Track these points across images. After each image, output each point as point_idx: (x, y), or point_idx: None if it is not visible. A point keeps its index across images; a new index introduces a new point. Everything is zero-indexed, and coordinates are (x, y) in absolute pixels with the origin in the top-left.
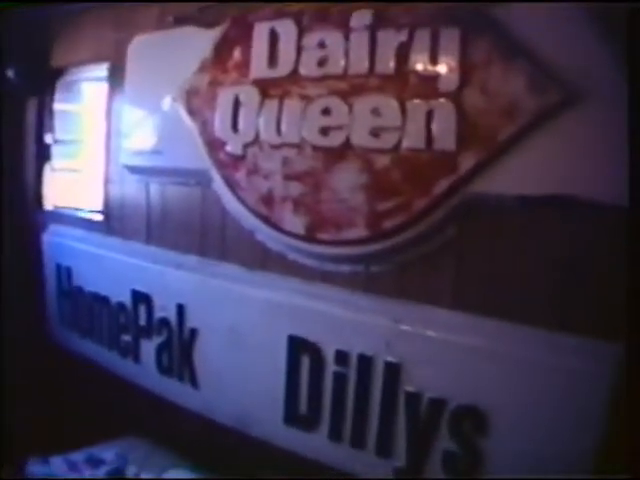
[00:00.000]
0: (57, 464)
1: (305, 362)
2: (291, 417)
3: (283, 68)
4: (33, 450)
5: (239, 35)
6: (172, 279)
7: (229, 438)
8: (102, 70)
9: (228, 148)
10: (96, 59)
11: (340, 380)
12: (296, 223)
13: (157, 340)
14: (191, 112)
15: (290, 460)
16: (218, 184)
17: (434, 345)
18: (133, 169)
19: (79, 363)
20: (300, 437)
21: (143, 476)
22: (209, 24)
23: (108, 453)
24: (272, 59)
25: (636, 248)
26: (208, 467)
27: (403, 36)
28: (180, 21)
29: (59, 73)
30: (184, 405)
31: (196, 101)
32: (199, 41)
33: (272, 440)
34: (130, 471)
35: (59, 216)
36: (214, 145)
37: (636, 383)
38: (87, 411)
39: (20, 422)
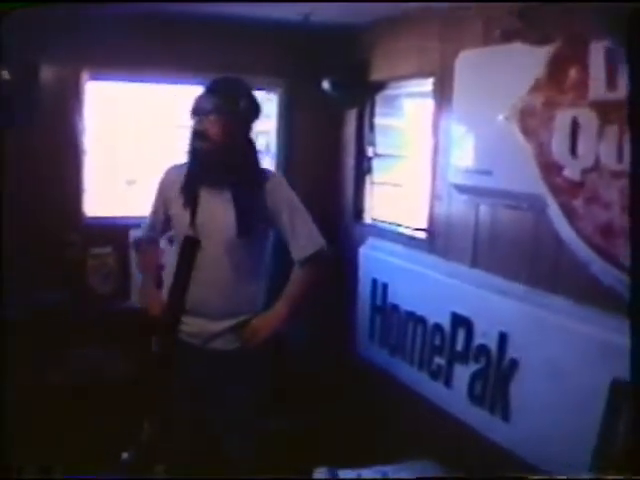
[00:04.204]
0: (346, 477)
1: (625, 408)
2: (600, 466)
3: (622, 91)
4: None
5: (574, 54)
6: (497, 306)
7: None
8: (426, 85)
9: (566, 173)
10: (419, 74)
11: None
12: None
13: (473, 367)
14: (526, 132)
15: None
16: (553, 210)
17: None
18: (462, 188)
19: (384, 379)
20: None
21: None
22: (539, 40)
23: (403, 473)
24: (610, 81)
25: None
26: None
27: None
28: (508, 36)
29: (379, 86)
30: (488, 436)
31: (531, 121)
32: (530, 58)
33: None
34: None
35: (378, 230)
36: (550, 169)
37: None
38: (384, 427)
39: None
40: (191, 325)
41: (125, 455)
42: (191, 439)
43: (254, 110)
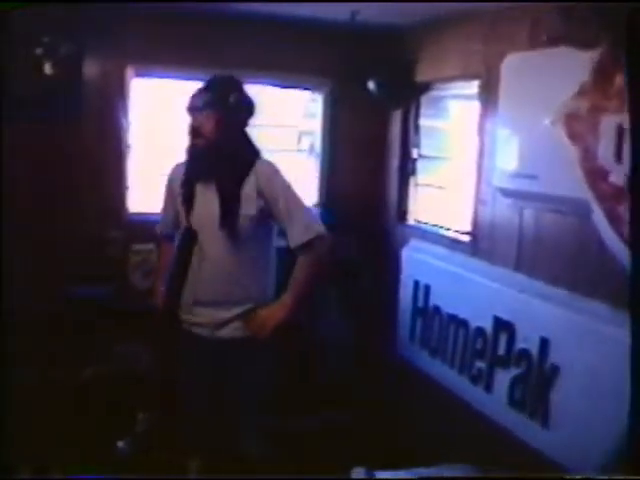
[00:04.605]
0: (382, 478)
1: None
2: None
3: None
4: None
5: (619, 58)
6: (539, 310)
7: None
8: (471, 87)
9: (611, 179)
10: (465, 76)
11: None
12: None
13: (514, 372)
14: (572, 137)
15: None
16: (598, 215)
17: None
18: (507, 192)
19: (423, 380)
20: None
21: None
22: (585, 45)
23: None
24: None
25: None
26: None
27: None
28: (554, 40)
29: (424, 88)
30: (526, 441)
31: (577, 126)
32: (576, 62)
33: None
34: None
35: (421, 232)
36: (596, 175)
37: None
38: (422, 429)
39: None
40: (198, 315)
41: (121, 443)
42: (204, 432)
43: (245, 105)
